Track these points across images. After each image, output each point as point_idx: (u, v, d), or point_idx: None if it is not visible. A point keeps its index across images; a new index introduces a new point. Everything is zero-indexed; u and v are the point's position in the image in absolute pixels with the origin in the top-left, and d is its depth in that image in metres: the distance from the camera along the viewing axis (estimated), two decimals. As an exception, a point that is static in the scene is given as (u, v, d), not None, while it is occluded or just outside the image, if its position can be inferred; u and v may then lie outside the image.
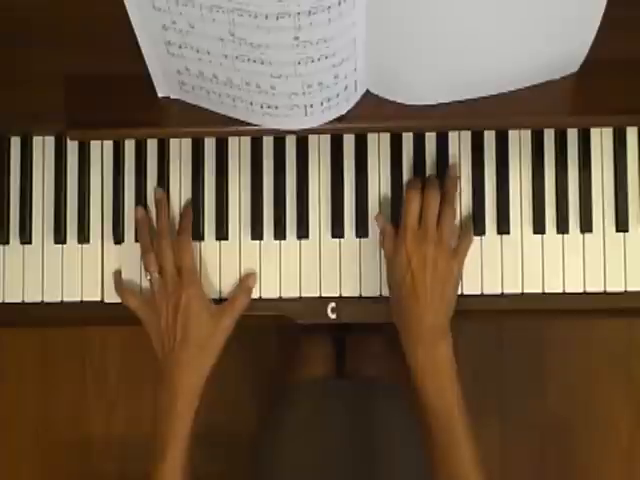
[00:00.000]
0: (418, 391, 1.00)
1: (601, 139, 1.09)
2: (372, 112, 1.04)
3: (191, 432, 1.02)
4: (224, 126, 1.05)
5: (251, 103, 0.99)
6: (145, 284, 1.09)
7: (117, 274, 1.10)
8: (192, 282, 1.05)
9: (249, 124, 1.03)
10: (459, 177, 1.08)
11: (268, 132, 1.05)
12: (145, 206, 1.10)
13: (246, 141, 1.10)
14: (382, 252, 1.07)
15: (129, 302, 1.07)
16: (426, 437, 0.99)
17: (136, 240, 1.10)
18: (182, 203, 1.10)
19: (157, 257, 1.06)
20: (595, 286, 1.07)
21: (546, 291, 1.08)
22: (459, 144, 1.09)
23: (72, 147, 1.11)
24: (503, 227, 1.08)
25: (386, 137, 1.10)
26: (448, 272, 1.02)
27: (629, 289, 1.07)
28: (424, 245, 1.02)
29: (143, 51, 0.98)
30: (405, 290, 1.01)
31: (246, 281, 1.08)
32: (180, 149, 1.11)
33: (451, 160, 1.09)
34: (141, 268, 1.09)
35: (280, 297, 1.09)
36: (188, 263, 1.05)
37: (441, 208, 1.04)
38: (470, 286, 1.08)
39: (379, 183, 1.09)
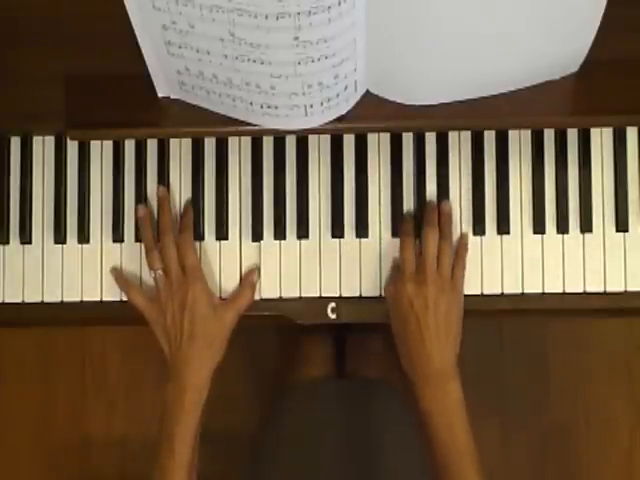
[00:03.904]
0: (427, 429, 1.00)
1: (601, 139, 1.09)
2: (372, 112, 1.03)
3: (198, 428, 1.02)
4: (224, 126, 1.05)
5: (251, 103, 0.99)
6: (145, 283, 1.09)
7: (121, 272, 1.10)
8: (197, 278, 1.05)
9: (249, 124, 1.03)
10: (459, 176, 1.09)
11: (268, 132, 1.05)
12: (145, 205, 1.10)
13: (246, 141, 1.10)
14: (381, 251, 1.08)
15: (136, 300, 1.06)
16: (436, 471, 0.99)
17: (136, 240, 1.10)
18: (182, 203, 1.10)
19: (161, 254, 1.06)
20: (595, 286, 1.07)
21: (546, 291, 1.08)
22: (459, 144, 1.09)
23: (72, 147, 1.11)
24: (503, 227, 1.08)
25: (386, 137, 1.10)
26: (451, 309, 1.03)
27: (629, 289, 1.07)
28: (424, 287, 1.02)
29: (143, 51, 0.98)
30: (410, 331, 1.01)
31: (249, 276, 1.08)
32: (180, 149, 1.11)
33: (451, 160, 1.09)
34: (141, 268, 1.09)
35: (280, 297, 1.09)
36: (192, 260, 1.05)
37: (438, 245, 1.04)
38: (470, 286, 1.07)
39: (379, 183, 1.09)
